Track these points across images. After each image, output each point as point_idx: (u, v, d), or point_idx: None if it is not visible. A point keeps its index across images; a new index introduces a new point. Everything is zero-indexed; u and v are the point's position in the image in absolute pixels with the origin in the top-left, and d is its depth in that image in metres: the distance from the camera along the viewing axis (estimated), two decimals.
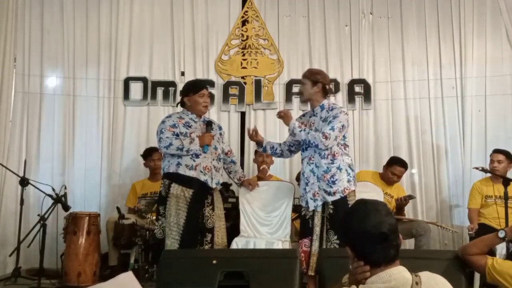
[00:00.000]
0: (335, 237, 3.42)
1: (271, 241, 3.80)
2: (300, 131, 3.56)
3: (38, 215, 4.07)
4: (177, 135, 3.70)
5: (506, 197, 4.08)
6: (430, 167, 5.39)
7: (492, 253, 3.96)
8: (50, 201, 4.09)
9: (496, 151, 4.64)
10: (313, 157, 3.55)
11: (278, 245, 3.71)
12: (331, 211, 3.47)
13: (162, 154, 3.94)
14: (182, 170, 3.66)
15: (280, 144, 3.88)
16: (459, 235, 5.08)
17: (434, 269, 1.70)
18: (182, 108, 3.93)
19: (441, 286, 1.63)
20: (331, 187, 3.47)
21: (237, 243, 3.79)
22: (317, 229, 3.49)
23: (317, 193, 3.50)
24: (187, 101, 3.83)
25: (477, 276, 3.42)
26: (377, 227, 1.60)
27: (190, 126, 3.77)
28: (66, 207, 4.13)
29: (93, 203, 5.27)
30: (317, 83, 3.60)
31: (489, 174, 4.55)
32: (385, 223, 1.61)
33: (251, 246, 3.73)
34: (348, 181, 3.50)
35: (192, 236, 3.65)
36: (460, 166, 5.33)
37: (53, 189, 4.16)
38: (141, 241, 4.31)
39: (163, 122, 3.81)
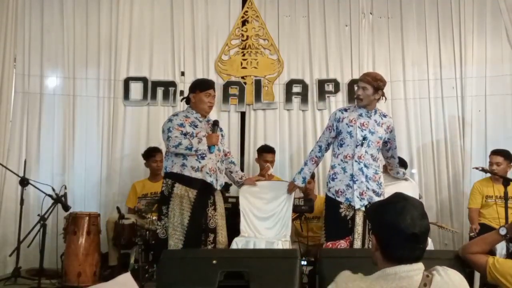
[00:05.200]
0: None
1: (271, 241, 3.79)
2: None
3: (38, 215, 4.06)
4: (185, 134, 3.69)
5: (506, 197, 4.07)
6: (430, 167, 5.39)
7: (492, 253, 3.97)
8: (50, 201, 4.08)
9: (494, 152, 4.63)
10: (363, 156, 3.59)
11: (278, 245, 3.70)
12: None
13: (164, 154, 3.93)
14: (188, 172, 3.65)
15: (313, 165, 3.89)
16: (459, 235, 5.07)
17: None
18: (186, 106, 3.93)
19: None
20: (379, 188, 3.61)
21: (237, 243, 3.79)
22: (359, 229, 3.53)
23: (365, 192, 3.56)
24: (192, 97, 3.82)
25: (477, 276, 3.41)
26: (411, 227, 1.58)
27: (196, 126, 3.76)
28: (66, 207, 4.13)
29: (93, 203, 5.27)
30: (378, 90, 3.61)
31: (489, 174, 4.54)
32: (419, 225, 1.59)
33: (251, 246, 3.73)
34: (384, 186, 3.68)
35: (196, 237, 3.65)
36: (460, 166, 5.33)
37: (53, 189, 4.16)
38: (141, 241, 4.30)
39: (170, 120, 3.78)
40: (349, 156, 3.60)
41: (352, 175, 3.57)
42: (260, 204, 4.08)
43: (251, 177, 4.27)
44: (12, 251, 4.21)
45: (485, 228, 4.40)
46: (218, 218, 3.76)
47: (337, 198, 3.61)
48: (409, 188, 4.02)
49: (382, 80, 3.65)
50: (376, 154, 3.64)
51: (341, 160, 3.63)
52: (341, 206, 3.58)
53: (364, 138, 3.58)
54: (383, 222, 1.63)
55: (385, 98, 3.79)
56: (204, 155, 3.67)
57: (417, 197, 4.09)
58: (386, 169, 4.13)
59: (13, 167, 4.92)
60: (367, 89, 3.59)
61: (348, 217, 3.56)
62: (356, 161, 3.58)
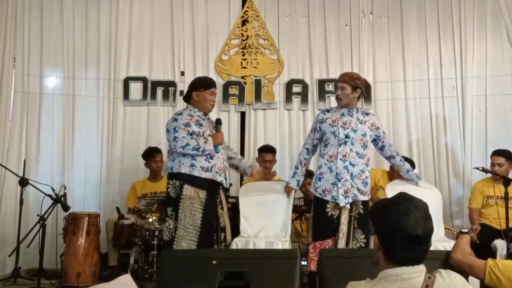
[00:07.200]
0: (363, 236, 3.53)
1: (271, 241, 3.79)
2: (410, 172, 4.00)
3: (38, 215, 4.06)
4: (191, 134, 3.65)
5: (506, 198, 4.07)
6: (430, 167, 5.39)
7: (492, 254, 3.97)
8: (49, 201, 4.08)
9: (496, 153, 4.61)
10: (348, 154, 3.61)
11: (278, 245, 3.70)
12: (361, 211, 3.59)
13: (167, 153, 3.91)
14: (197, 172, 3.61)
15: (303, 168, 3.90)
16: None
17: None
18: (185, 104, 3.91)
19: None
20: (364, 187, 3.63)
21: (237, 243, 3.78)
22: (344, 228, 3.55)
23: (349, 190, 3.58)
24: (195, 95, 3.77)
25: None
26: (414, 229, 1.55)
27: (201, 125, 3.72)
28: (65, 207, 4.13)
29: (93, 203, 5.27)
30: (357, 89, 3.66)
31: (490, 174, 4.53)
32: (422, 227, 1.57)
33: (251, 246, 3.72)
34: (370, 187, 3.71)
35: (209, 237, 3.66)
36: (460, 166, 5.33)
37: (53, 189, 4.16)
38: (141, 241, 4.30)
39: (175, 119, 3.70)
40: (334, 156, 3.64)
41: (337, 174, 3.60)
42: (260, 204, 4.07)
43: (259, 171, 4.16)
44: (12, 251, 4.21)
45: (485, 228, 4.39)
46: (225, 217, 3.81)
47: (324, 197, 3.63)
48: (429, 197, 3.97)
49: (360, 79, 3.73)
50: (362, 151, 3.65)
51: (327, 160, 3.66)
52: (328, 205, 3.60)
53: (347, 136, 3.62)
54: (386, 223, 1.61)
55: (364, 96, 3.89)
56: (212, 154, 3.65)
57: (440, 206, 4.01)
58: (399, 175, 4.10)
59: (13, 167, 4.92)
60: (346, 89, 3.66)
61: (334, 217, 3.58)
62: (341, 159, 3.61)
